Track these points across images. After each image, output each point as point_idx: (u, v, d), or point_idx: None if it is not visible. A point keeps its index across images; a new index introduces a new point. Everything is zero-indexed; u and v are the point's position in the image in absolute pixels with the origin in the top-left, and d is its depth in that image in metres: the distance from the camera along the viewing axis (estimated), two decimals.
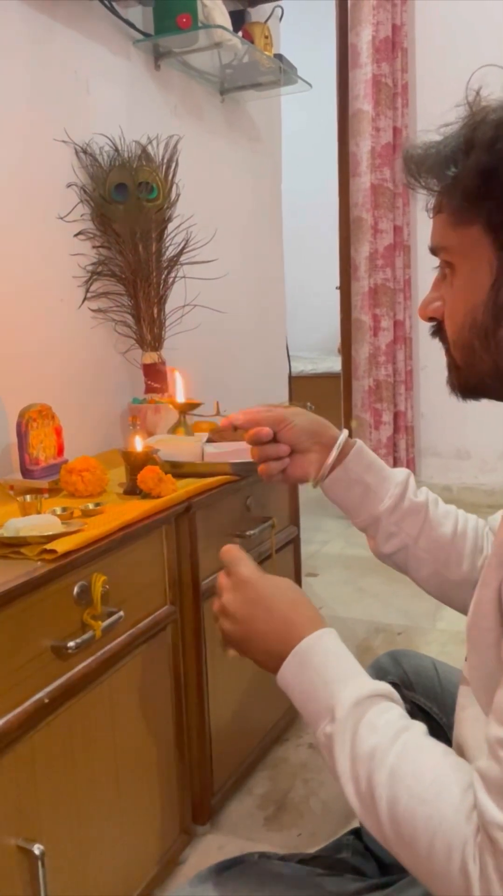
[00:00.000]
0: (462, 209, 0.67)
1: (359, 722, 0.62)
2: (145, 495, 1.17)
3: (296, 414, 0.94)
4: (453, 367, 0.73)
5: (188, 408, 1.03)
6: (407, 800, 0.57)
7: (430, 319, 0.75)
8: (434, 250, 0.72)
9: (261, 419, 0.92)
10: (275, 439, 0.92)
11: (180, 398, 1.03)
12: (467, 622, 0.68)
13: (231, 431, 1.02)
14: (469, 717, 0.70)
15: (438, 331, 0.75)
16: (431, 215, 0.72)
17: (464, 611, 0.93)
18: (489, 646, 0.64)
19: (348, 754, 0.62)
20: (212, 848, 1.29)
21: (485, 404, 0.78)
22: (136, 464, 1.20)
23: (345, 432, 0.95)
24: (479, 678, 0.67)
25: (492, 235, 0.65)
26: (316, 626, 0.71)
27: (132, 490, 1.19)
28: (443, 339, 0.74)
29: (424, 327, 0.76)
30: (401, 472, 0.96)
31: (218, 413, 1.07)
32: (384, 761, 0.59)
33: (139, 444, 1.22)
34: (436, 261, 0.73)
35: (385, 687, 0.66)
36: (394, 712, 0.63)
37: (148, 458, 1.21)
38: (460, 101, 0.68)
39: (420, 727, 0.63)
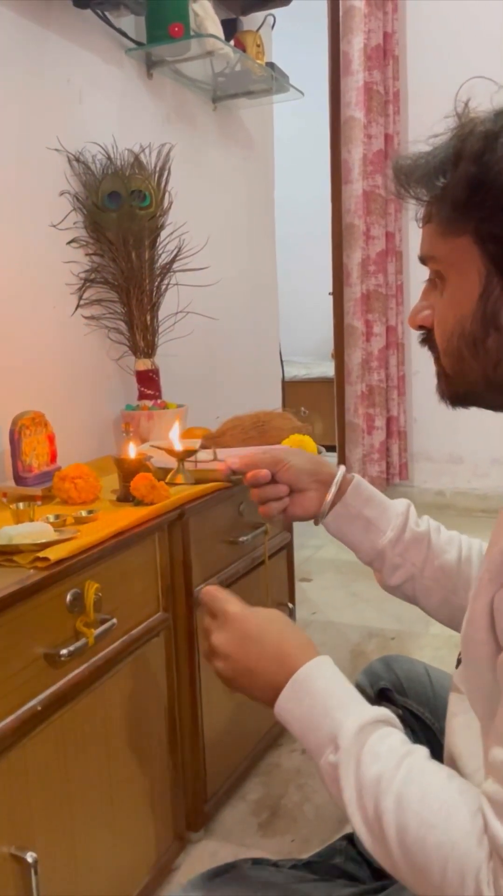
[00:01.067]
0: (451, 220, 0.67)
1: (362, 750, 0.62)
2: (138, 502, 1.17)
3: (293, 454, 0.95)
4: (442, 375, 0.74)
5: (185, 455, 1.06)
6: (416, 827, 0.57)
7: (420, 328, 0.75)
8: (423, 259, 0.73)
9: (259, 461, 0.93)
10: (273, 480, 0.93)
11: (178, 446, 1.04)
12: (461, 635, 0.68)
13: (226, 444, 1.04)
14: (461, 725, 0.70)
15: (427, 339, 0.75)
16: (421, 225, 0.72)
17: None
18: (483, 659, 0.64)
19: (353, 783, 0.61)
20: (205, 854, 1.29)
21: (478, 409, 0.78)
22: (129, 471, 1.20)
23: (343, 468, 0.96)
24: (474, 689, 0.68)
25: (481, 246, 0.66)
26: (309, 655, 0.70)
27: (125, 497, 1.20)
28: (433, 348, 0.74)
29: (416, 333, 0.77)
30: (402, 503, 0.96)
31: (216, 458, 1.08)
32: (390, 788, 0.59)
33: (132, 450, 1.23)
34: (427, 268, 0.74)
35: (384, 712, 0.66)
36: (395, 737, 0.63)
37: (141, 466, 1.21)
38: (449, 112, 0.69)
39: (422, 751, 0.62)
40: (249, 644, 0.73)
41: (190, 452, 1.07)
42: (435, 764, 0.62)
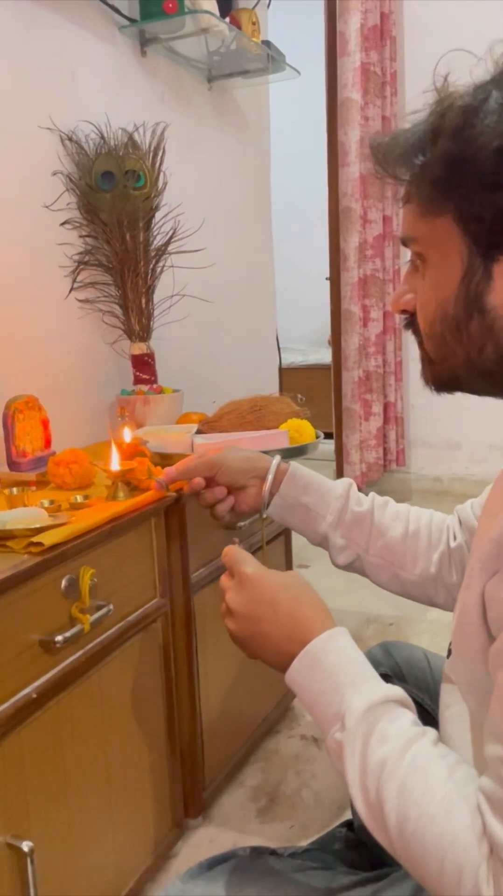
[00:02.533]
0: (431, 199, 0.65)
1: (371, 731, 0.61)
2: (133, 487, 1.15)
3: (228, 454, 0.98)
4: (426, 360, 0.72)
5: (122, 474, 1.09)
6: (416, 817, 0.56)
7: (403, 312, 0.73)
8: (404, 241, 0.70)
9: (194, 469, 0.97)
10: (214, 482, 0.97)
11: (115, 466, 1.06)
12: (453, 625, 0.67)
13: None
14: (454, 716, 0.69)
15: (411, 324, 0.73)
16: (400, 205, 0.70)
17: (430, 605, 0.96)
18: (474, 650, 0.63)
19: (358, 765, 0.60)
20: (204, 841, 1.29)
21: (475, 395, 0.76)
22: (127, 453, 1.18)
23: (276, 460, 0.98)
24: (467, 682, 0.67)
25: (462, 226, 0.64)
26: (325, 625, 0.69)
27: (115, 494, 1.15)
28: (416, 332, 0.72)
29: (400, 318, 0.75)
30: (341, 485, 0.97)
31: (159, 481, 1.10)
32: (394, 775, 0.58)
33: (128, 435, 1.21)
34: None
35: (397, 692, 0.64)
36: (405, 719, 0.62)
37: (136, 451, 1.19)
38: (426, 89, 0.66)
39: (431, 735, 0.61)
40: (263, 608, 0.72)
41: (128, 471, 1.10)
42: (441, 749, 0.60)
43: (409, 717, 0.63)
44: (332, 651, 0.67)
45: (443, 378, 0.71)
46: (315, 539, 0.98)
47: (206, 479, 0.97)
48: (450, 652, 0.71)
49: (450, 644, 0.70)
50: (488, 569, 0.61)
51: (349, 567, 0.97)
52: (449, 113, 0.62)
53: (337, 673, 0.66)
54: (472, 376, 0.69)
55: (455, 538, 0.95)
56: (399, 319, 0.77)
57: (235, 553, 0.78)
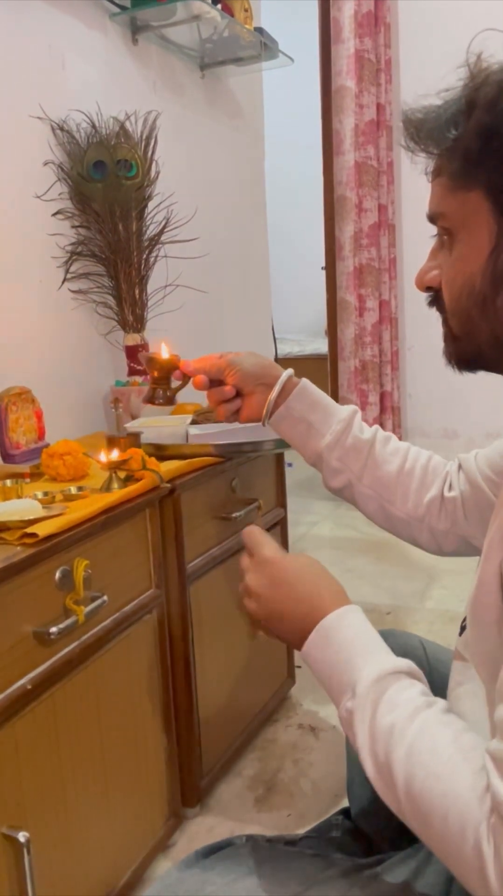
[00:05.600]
0: (462, 172, 0.65)
1: (380, 698, 0.62)
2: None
3: (244, 358, 0.99)
4: (450, 337, 0.72)
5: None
6: (423, 777, 0.57)
7: (428, 289, 0.73)
8: (432, 217, 0.70)
9: (209, 366, 0.98)
10: (224, 383, 0.98)
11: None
12: (470, 597, 0.67)
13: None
14: (467, 693, 0.70)
15: (435, 301, 0.73)
16: (430, 179, 0.70)
17: (413, 544, 0.98)
18: (490, 622, 0.64)
19: (367, 731, 0.62)
20: (201, 830, 1.29)
21: (472, 383, 0.77)
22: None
23: (289, 372, 0.98)
24: (480, 654, 0.67)
25: (492, 199, 0.64)
26: (339, 603, 0.71)
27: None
28: (441, 309, 0.72)
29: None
30: (347, 410, 0.98)
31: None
32: (402, 738, 0.59)
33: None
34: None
35: (407, 663, 0.66)
36: (415, 689, 0.63)
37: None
38: (459, 64, 0.66)
39: (440, 704, 0.62)
40: (282, 588, 0.74)
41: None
42: (450, 716, 0.61)
43: (419, 687, 0.64)
44: (345, 626, 0.69)
45: (466, 355, 0.72)
46: (310, 458, 0.99)
47: (217, 379, 0.99)
48: (462, 629, 0.72)
49: (464, 621, 0.71)
50: None
51: (340, 491, 0.98)
52: (484, 86, 0.63)
53: (349, 646, 0.67)
54: (497, 353, 0.69)
55: (451, 488, 0.96)
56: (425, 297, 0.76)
57: (256, 535, 0.79)
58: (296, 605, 0.72)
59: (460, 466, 0.96)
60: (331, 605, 0.71)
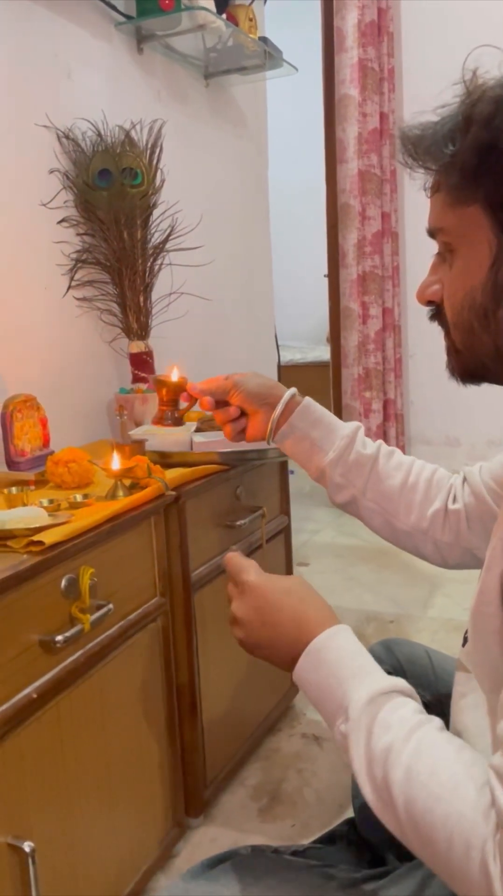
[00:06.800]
0: (460, 188, 0.66)
1: (374, 720, 0.61)
2: (133, 485, 1.14)
3: (248, 379, 1.02)
4: (453, 351, 0.72)
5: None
6: (424, 799, 0.56)
7: (429, 303, 0.74)
8: (432, 232, 0.71)
9: (215, 388, 1.02)
10: (229, 403, 1.02)
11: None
12: (471, 607, 0.67)
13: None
14: (469, 705, 0.70)
15: (437, 315, 0.74)
16: (429, 195, 0.70)
17: (418, 556, 0.99)
18: (492, 632, 0.63)
19: (363, 754, 0.61)
20: (205, 840, 1.29)
21: (475, 392, 0.77)
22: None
23: (291, 391, 1.00)
24: (481, 664, 0.67)
25: (491, 214, 0.65)
26: (326, 624, 0.70)
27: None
28: (442, 323, 0.73)
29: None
30: (350, 426, 1.00)
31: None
32: (399, 760, 0.59)
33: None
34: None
35: (400, 682, 0.65)
36: (408, 708, 0.62)
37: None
38: (455, 80, 0.67)
39: (435, 722, 0.62)
40: (268, 613, 0.73)
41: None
42: (446, 735, 0.61)
43: (412, 705, 0.63)
44: (334, 648, 0.68)
45: (469, 368, 0.72)
46: (314, 473, 1.00)
47: (223, 399, 1.02)
48: (465, 640, 0.72)
49: (466, 632, 0.71)
50: None
51: (345, 507, 1.00)
52: (480, 103, 0.63)
53: (339, 668, 0.66)
54: (499, 365, 0.69)
55: (455, 500, 0.96)
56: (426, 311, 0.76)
57: (237, 562, 0.78)
58: (283, 630, 0.71)
59: (465, 479, 0.97)
60: (318, 627, 0.70)
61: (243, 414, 1.02)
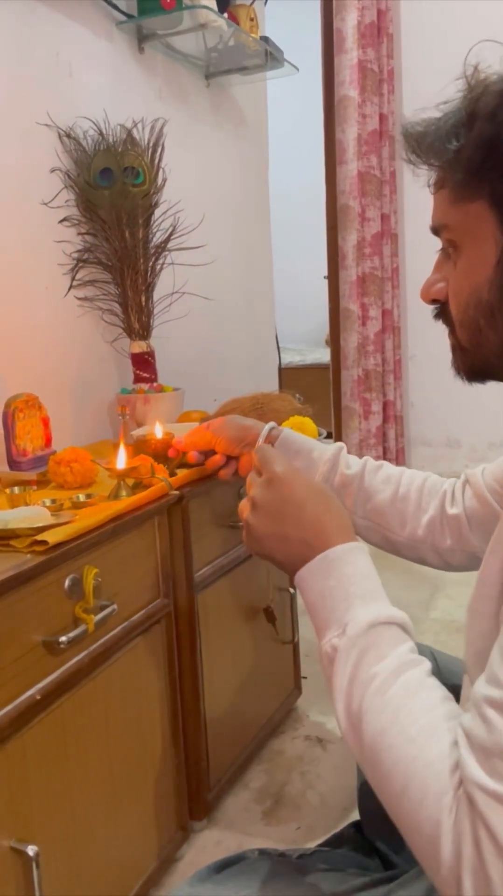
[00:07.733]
0: (464, 184, 0.65)
1: (371, 644, 0.62)
2: (136, 485, 1.14)
3: (225, 425, 1.07)
4: (458, 349, 0.72)
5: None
6: (395, 734, 0.57)
7: (433, 302, 0.73)
8: (436, 230, 0.70)
9: (197, 442, 1.09)
10: (215, 451, 1.08)
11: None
12: (473, 592, 0.67)
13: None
14: None
15: (442, 313, 0.73)
16: (432, 192, 0.70)
17: (422, 564, 1.00)
18: (488, 615, 0.63)
19: (349, 673, 0.61)
20: (209, 844, 1.27)
21: (475, 393, 0.76)
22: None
23: (269, 426, 1.04)
24: (474, 653, 0.66)
25: (497, 210, 0.64)
26: (348, 537, 0.69)
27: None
28: (447, 321, 0.72)
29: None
30: (331, 450, 1.02)
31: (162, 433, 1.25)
32: (382, 689, 0.59)
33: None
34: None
35: (403, 617, 0.65)
36: (406, 645, 0.63)
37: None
38: (457, 76, 0.66)
39: (426, 666, 0.62)
40: (290, 507, 0.72)
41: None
42: (433, 680, 0.61)
43: (409, 644, 0.63)
44: (351, 562, 0.68)
45: (475, 366, 0.71)
46: None
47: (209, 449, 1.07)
48: None
49: None
50: None
51: None
52: (483, 97, 0.63)
53: (350, 583, 0.66)
54: None
55: (453, 504, 0.95)
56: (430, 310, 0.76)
57: (267, 451, 0.78)
58: (301, 528, 0.70)
59: (466, 482, 0.96)
60: (338, 539, 0.69)
61: (231, 457, 1.07)
